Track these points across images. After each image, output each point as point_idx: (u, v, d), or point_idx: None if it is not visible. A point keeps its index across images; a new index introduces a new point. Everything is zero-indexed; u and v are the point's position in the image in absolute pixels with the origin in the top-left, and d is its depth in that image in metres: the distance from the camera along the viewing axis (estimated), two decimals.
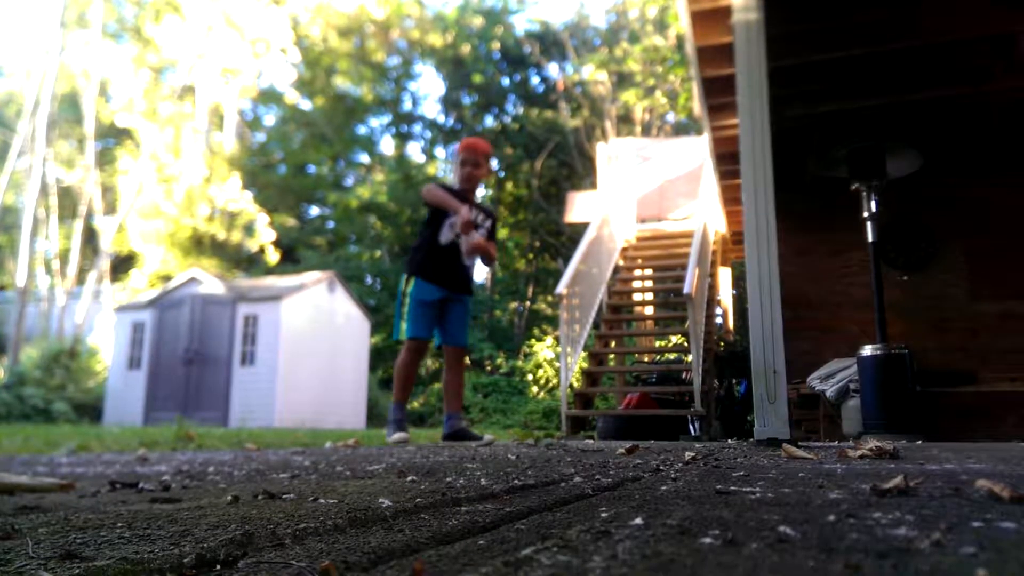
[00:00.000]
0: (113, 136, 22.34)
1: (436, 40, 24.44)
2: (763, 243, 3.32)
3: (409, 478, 1.57)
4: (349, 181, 25.63)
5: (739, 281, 9.82)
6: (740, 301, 9.87)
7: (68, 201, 21.76)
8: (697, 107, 6.52)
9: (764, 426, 3.17)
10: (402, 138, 26.30)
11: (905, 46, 4.66)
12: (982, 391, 4.99)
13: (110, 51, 21.54)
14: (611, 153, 10.38)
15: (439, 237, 4.19)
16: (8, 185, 19.83)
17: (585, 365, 7.35)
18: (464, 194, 4.31)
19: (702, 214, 7.82)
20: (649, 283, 9.09)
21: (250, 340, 13.42)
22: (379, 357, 19.90)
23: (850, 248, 5.83)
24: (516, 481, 1.45)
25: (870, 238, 4.63)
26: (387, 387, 19.29)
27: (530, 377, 17.63)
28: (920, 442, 3.56)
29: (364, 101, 25.30)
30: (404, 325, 4.14)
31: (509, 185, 24.40)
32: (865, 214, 4.63)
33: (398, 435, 3.98)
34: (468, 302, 4.38)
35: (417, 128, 26.59)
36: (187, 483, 1.61)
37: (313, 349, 13.95)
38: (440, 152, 26.34)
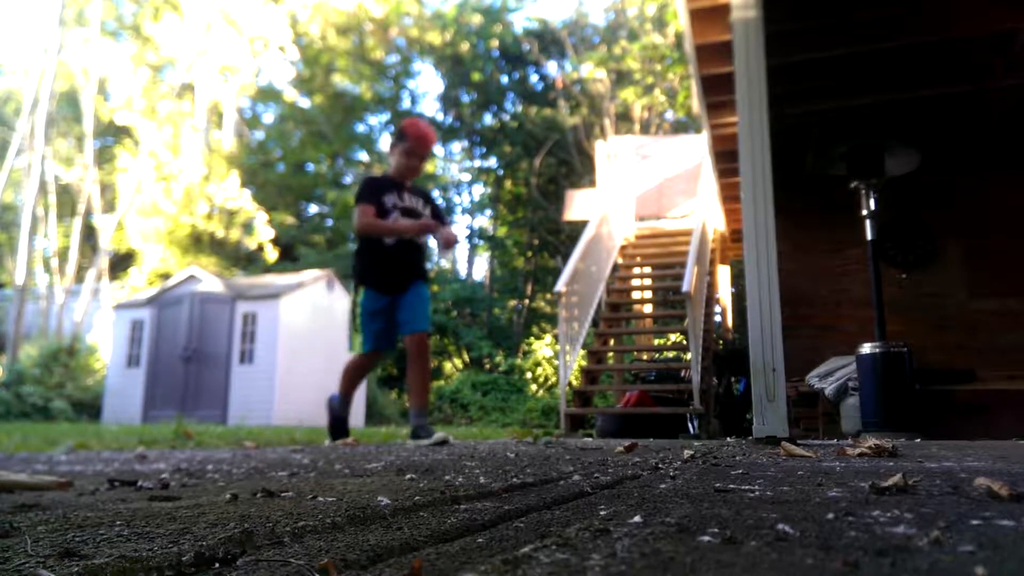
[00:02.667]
0: (112, 134, 22.32)
1: (435, 38, 24.42)
2: (762, 241, 3.32)
3: (408, 476, 1.57)
4: (348, 179, 25.62)
5: (738, 279, 9.82)
6: (739, 299, 9.87)
7: (67, 199, 21.75)
8: (696, 105, 6.52)
9: (763, 424, 3.17)
10: None
11: (904, 43, 4.66)
12: (981, 389, 5.00)
13: (109, 49, 21.51)
14: (610, 151, 10.38)
15: (383, 240, 3.96)
16: (7, 183, 19.81)
17: (584, 363, 7.35)
18: (400, 183, 4.08)
19: (701, 212, 7.82)
20: (648, 281, 9.09)
21: (249, 338, 13.41)
22: None
23: (849, 246, 5.84)
24: (515, 479, 1.45)
25: (869, 236, 4.63)
26: (386, 385, 19.30)
27: (529, 375, 17.64)
28: (919, 440, 3.56)
29: (363, 99, 25.28)
30: (359, 339, 4.08)
31: (508, 183, 24.40)
32: (864, 212, 4.63)
33: (341, 440, 3.93)
34: (422, 286, 4.07)
35: None
36: (186, 481, 1.61)
37: (312, 347, 13.94)
38: (439, 150, 26.32)
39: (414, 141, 4.07)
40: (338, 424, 4.17)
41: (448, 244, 3.96)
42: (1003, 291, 5.62)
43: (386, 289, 3.99)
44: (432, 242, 4.14)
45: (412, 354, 3.98)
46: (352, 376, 4.21)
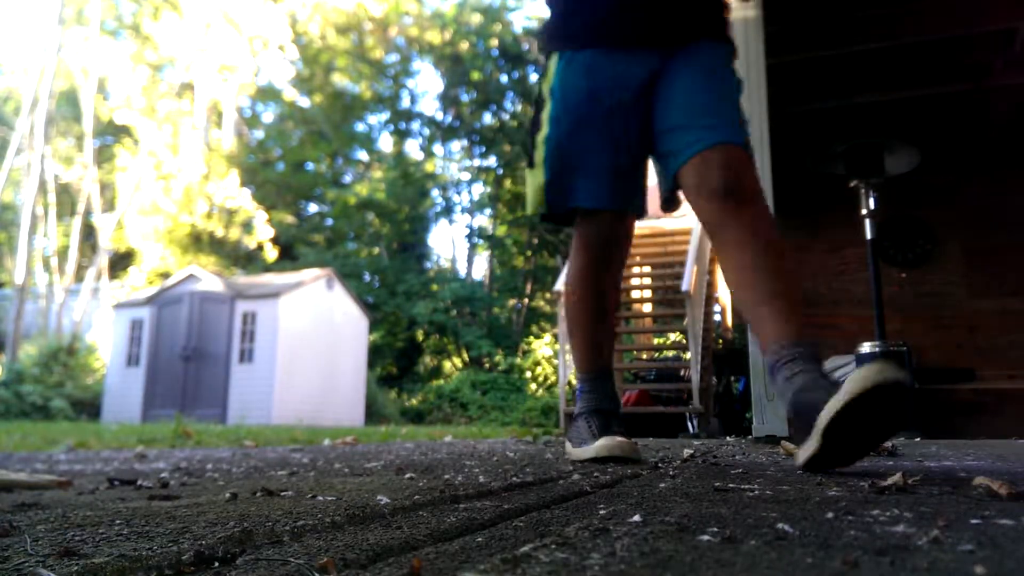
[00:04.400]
0: (111, 133, 22.32)
1: (434, 37, 24.42)
2: None
3: (407, 475, 1.57)
4: (347, 178, 25.64)
5: None
6: None
7: (66, 198, 21.74)
8: None
9: (762, 423, 3.18)
10: (400, 135, 26.29)
11: (904, 42, 4.66)
12: (980, 388, 5.00)
13: (108, 48, 21.52)
14: None
15: None
16: (6, 182, 19.80)
17: None
18: None
19: None
20: (647, 280, 9.08)
21: (248, 337, 13.42)
22: (377, 354, 19.89)
23: (848, 245, 5.84)
24: (514, 478, 1.45)
25: (868, 235, 4.62)
26: (385, 384, 19.20)
27: (528, 374, 17.64)
28: (919, 439, 3.56)
29: (362, 98, 25.29)
30: (535, 183, 1.83)
31: (508, 182, 24.39)
32: (863, 211, 4.63)
33: (604, 441, 1.74)
34: (712, 53, 1.85)
35: (415, 125, 26.59)
36: (185, 480, 1.61)
37: (311, 346, 13.95)
38: (438, 149, 26.34)
39: None
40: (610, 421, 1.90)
41: None
42: (1003, 290, 5.62)
43: (618, 36, 1.75)
44: None
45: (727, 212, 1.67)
46: (577, 313, 1.94)
